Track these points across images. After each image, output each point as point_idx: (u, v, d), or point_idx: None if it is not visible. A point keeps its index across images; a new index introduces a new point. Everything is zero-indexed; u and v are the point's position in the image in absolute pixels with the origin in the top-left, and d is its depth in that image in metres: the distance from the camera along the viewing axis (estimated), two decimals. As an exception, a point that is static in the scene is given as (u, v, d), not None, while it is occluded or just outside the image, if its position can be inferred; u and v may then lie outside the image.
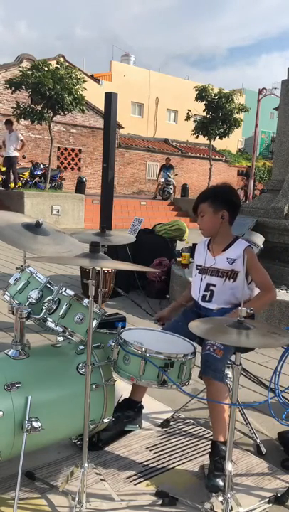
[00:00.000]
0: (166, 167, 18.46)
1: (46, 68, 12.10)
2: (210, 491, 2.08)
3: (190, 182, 21.86)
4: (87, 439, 1.96)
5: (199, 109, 16.47)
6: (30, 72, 12.00)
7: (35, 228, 2.32)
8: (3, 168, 13.40)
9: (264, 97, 20.24)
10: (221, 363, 2.26)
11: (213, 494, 2.02)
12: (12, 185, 13.05)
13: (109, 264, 2.26)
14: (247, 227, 5.42)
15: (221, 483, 2.07)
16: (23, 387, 1.96)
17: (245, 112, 16.63)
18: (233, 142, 29.85)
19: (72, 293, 2.14)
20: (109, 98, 6.98)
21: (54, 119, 13.27)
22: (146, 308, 5.17)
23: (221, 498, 1.90)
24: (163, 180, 18.22)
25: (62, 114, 12.82)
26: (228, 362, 2.36)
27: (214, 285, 2.50)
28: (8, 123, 12.57)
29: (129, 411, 2.52)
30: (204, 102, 16.08)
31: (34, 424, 1.93)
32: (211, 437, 2.31)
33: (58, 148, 19.19)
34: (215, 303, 2.50)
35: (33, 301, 2.22)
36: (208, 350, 2.28)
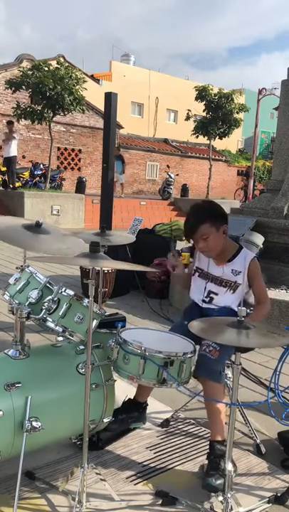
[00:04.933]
0: (116, 158, 15.18)
1: (47, 68, 12.12)
2: (207, 491, 2.08)
3: (190, 182, 21.85)
4: (87, 439, 1.97)
5: (199, 109, 16.48)
6: (30, 72, 12.01)
7: (35, 228, 2.32)
8: (4, 168, 13.41)
9: (264, 97, 20.22)
10: (216, 364, 2.24)
11: (213, 494, 2.03)
12: (11, 185, 13.06)
13: (109, 264, 2.26)
14: (247, 227, 5.42)
15: (215, 482, 2.06)
16: (23, 387, 1.96)
17: (245, 111, 16.64)
18: (233, 142, 29.84)
19: (72, 293, 2.14)
20: (109, 98, 6.98)
21: (54, 119, 13.27)
22: (146, 307, 5.17)
23: (220, 498, 1.90)
24: (118, 176, 16.01)
25: (62, 114, 12.82)
26: (228, 362, 2.36)
27: (216, 293, 2.50)
28: (10, 123, 12.58)
29: (134, 412, 2.52)
30: (204, 102, 16.09)
31: (34, 424, 1.93)
32: (211, 437, 2.31)
33: (58, 148, 19.18)
34: (216, 305, 2.51)
35: (33, 301, 2.22)
36: (204, 350, 2.27)
